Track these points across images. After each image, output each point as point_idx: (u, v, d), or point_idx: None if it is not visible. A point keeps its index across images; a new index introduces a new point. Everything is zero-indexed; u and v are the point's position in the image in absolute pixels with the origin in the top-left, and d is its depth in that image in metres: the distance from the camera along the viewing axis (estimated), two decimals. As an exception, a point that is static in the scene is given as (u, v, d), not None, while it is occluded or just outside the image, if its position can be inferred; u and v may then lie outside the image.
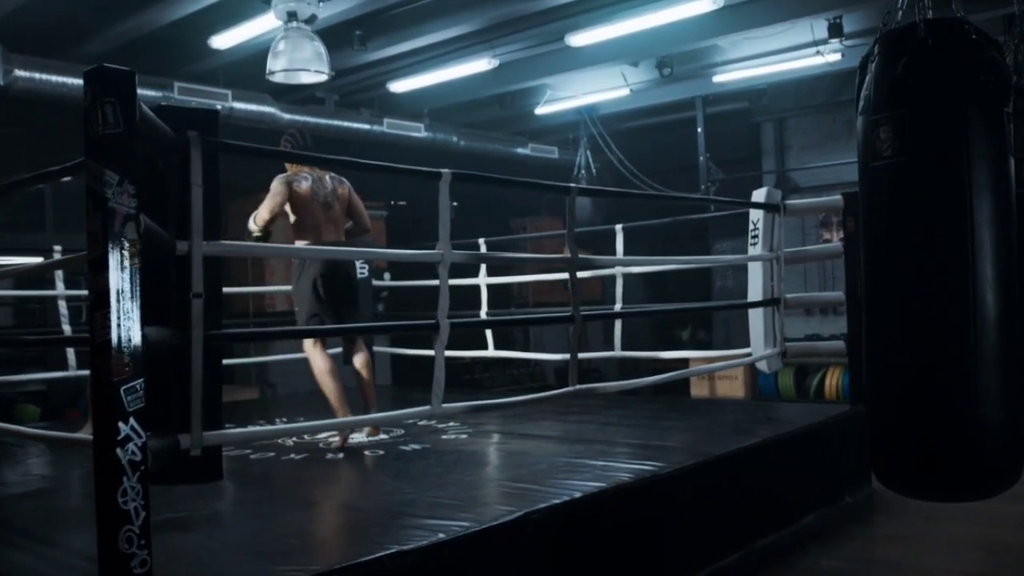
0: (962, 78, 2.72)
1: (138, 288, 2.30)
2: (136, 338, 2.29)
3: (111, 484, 2.24)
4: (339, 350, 5.56)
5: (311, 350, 5.00)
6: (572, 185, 4.24)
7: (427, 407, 3.65)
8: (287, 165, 5.04)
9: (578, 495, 3.54)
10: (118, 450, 2.25)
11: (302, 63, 5.59)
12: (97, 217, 2.27)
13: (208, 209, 2.88)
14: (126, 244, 2.29)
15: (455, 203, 11.21)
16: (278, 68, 5.63)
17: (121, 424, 2.25)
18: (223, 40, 6.63)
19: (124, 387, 2.26)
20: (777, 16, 7.20)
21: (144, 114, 2.50)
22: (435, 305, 3.71)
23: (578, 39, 7.14)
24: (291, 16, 5.49)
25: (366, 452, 4.80)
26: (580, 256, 4.33)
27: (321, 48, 5.66)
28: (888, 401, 2.84)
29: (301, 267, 4.99)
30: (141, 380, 2.29)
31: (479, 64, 7.78)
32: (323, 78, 5.89)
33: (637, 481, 3.81)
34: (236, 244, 3.58)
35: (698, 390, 9.51)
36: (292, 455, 4.72)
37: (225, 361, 7.42)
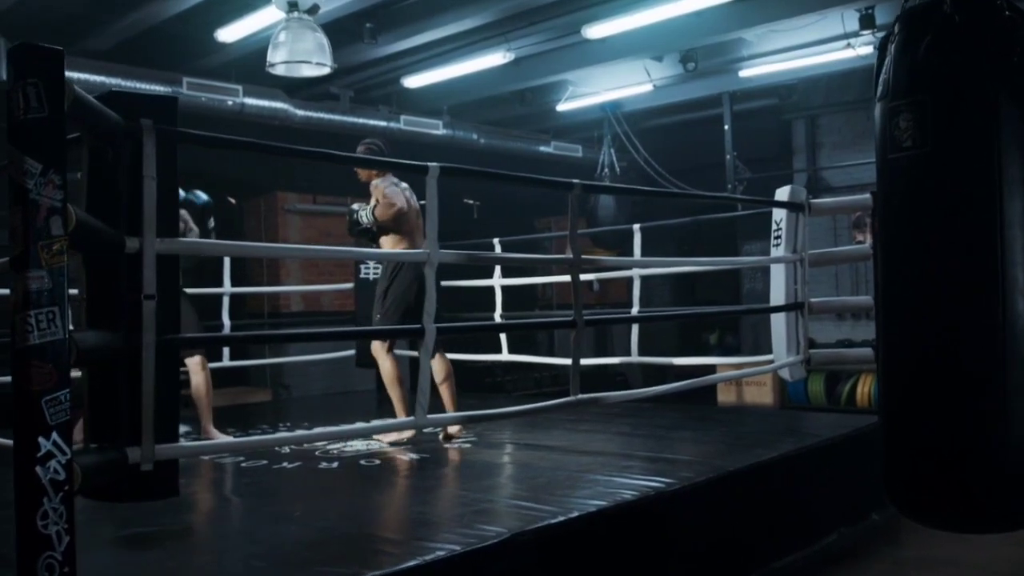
0: (992, 59, 2.44)
1: (64, 289, 2.10)
2: (61, 344, 2.08)
3: (30, 506, 2.03)
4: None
5: (381, 354, 5.02)
6: (575, 181, 3.98)
7: (411, 418, 3.43)
8: (376, 172, 5.01)
9: (575, 514, 3.32)
10: (38, 468, 2.04)
11: (303, 55, 5.40)
12: (18, 211, 2.07)
13: (163, 204, 2.66)
14: (50, 241, 2.08)
15: (476, 202, 11.07)
16: (279, 60, 5.45)
17: (42, 439, 2.05)
18: (229, 33, 6.47)
19: (46, 398, 2.06)
20: (805, 7, 6.91)
21: (80, 98, 2.28)
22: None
23: (595, 31, 6.89)
24: (292, 7, 5.30)
25: (361, 462, 4.59)
26: (585, 257, 4.09)
27: (323, 39, 5.47)
28: (906, 420, 2.55)
29: (398, 269, 4.93)
30: (67, 391, 2.08)
31: (494, 58, 7.56)
32: (325, 70, 5.70)
33: (640, 499, 3.57)
34: (196, 241, 3.36)
35: (725, 396, 9.19)
36: (285, 464, 4.54)
37: (239, 362, 7.36)
